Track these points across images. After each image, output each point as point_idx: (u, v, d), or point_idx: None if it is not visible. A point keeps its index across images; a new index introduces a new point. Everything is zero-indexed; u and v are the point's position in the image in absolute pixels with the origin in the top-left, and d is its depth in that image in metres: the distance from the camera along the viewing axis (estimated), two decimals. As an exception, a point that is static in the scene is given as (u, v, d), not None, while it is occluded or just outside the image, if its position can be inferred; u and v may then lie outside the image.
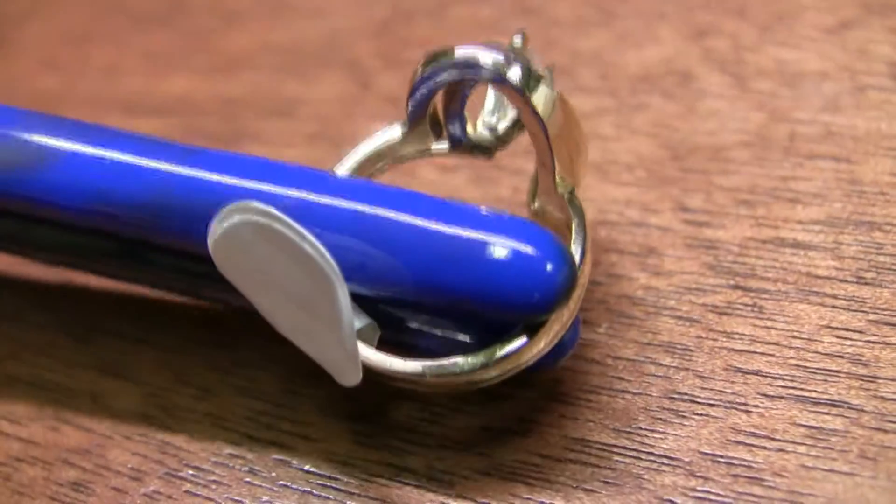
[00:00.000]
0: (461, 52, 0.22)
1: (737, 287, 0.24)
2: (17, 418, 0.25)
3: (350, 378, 0.22)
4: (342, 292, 0.21)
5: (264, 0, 0.34)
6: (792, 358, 0.23)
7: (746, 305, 0.24)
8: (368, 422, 0.24)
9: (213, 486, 0.23)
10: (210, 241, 0.21)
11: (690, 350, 0.23)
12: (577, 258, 0.21)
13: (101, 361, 0.26)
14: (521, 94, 0.21)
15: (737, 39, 0.29)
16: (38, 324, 0.27)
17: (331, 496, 0.23)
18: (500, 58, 0.21)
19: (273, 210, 0.21)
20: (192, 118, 0.31)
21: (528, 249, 0.21)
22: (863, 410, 0.22)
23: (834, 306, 0.23)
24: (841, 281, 0.24)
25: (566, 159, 0.22)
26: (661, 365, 0.23)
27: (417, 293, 0.21)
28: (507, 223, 0.21)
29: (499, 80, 0.21)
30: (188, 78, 0.32)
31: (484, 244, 0.21)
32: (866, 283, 0.24)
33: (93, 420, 0.25)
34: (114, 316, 0.27)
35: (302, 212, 0.22)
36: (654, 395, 0.23)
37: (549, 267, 0.21)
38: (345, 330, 0.21)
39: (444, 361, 0.21)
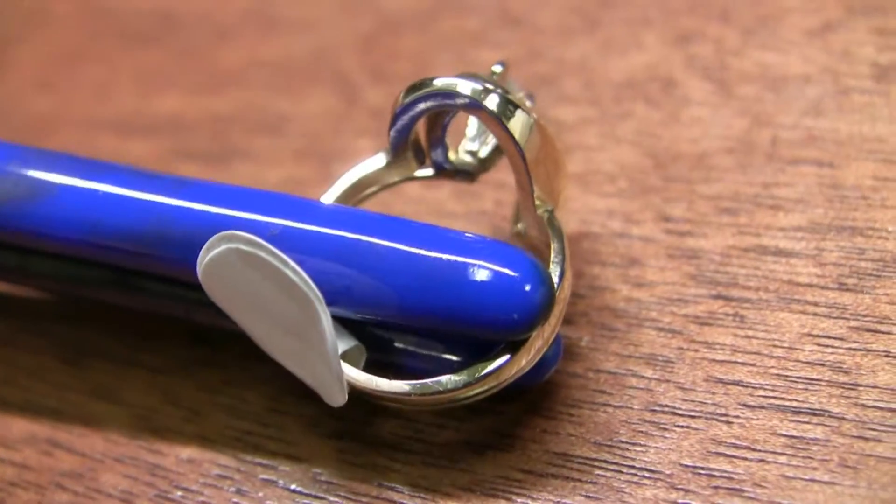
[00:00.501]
0: (440, 81, 0.22)
1: (718, 297, 0.24)
2: (10, 443, 0.26)
3: (336, 398, 0.22)
4: (325, 317, 0.21)
5: (253, 15, 0.34)
6: (773, 367, 0.23)
7: (728, 315, 0.24)
8: (353, 440, 0.24)
9: (202, 508, 0.24)
10: (199, 269, 0.22)
11: (672, 361, 0.23)
12: (556, 278, 0.22)
13: (92, 385, 0.26)
14: (498, 120, 0.22)
15: (720, 44, 0.29)
16: (31, 348, 0.27)
17: (317, 515, 0.23)
18: (478, 87, 0.22)
19: (257, 239, 0.21)
20: (183, 137, 0.31)
21: (507, 271, 0.21)
22: (843, 419, 0.22)
23: (815, 314, 0.23)
24: (822, 288, 0.24)
25: (545, 181, 0.23)
26: (642, 377, 0.23)
27: (401, 316, 0.22)
28: (487, 246, 0.22)
29: (477, 107, 0.22)
30: (178, 96, 0.32)
31: (464, 267, 0.21)
32: (848, 290, 0.24)
33: (85, 443, 0.25)
34: (104, 339, 0.27)
35: (289, 239, 0.22)
36: (636, 407, 0.23)
37: (527, 287, 0.21)
38: (329, 352, 0.21)
39: (429, 381, 0.22)
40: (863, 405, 0.22)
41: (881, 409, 0.22)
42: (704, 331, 0.24)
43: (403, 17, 0.32)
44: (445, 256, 0.21)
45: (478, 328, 0.21)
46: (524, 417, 0.23)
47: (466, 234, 0.22)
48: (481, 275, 0.21)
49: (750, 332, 0.23)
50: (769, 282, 0.24)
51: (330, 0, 0.33)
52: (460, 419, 0.24)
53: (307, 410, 0.24)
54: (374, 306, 0.22)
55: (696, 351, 0.23)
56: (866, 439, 0.21)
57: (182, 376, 0.26)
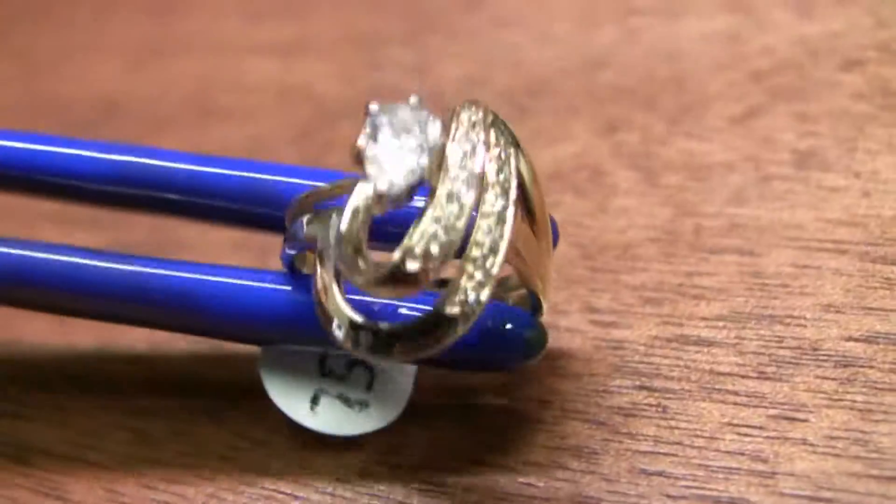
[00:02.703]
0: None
1: (642, 387, 0.25)
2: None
3: None
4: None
5: (192, 105, 0.34)
6: (694, 457, 0.23)
7: (651, 406, 0.24)
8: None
9: None
10: None
11: (597, 453, 0.24)
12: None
13: (37, 481, 0.27)
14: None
15: (646, 132, 0.30)
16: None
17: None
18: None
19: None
20: (122, 230, 0.31)
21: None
22: (761, 508, 0.22)
23: (735, 403, 0.24)
24: (742, 377, 0.24)
25: None
26: (568, 469, 0.24)
27: None
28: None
29: None
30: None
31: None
32: (767, 378, 0.24)
33: None
34: (48, 436, 0.27)
35: None
36: (562, 499, 0.23)
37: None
38: None
39: None
40: (780, 493, 0.23)
41: (798, 496, 0.22)
42: (629, 422, 0.24)
43: (339, 106, 0.33)
44: None
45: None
46: (454, 511, 0.24)
47: None
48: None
49: (672, 423, 0.24)
50: (691, 371, 0.25)
51: (266, 90, 0.34)
52: None
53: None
54: None
55: (621, 442, 0.24)
56: (783, 529, 0.22)
57: (124, 473, 0.26)
